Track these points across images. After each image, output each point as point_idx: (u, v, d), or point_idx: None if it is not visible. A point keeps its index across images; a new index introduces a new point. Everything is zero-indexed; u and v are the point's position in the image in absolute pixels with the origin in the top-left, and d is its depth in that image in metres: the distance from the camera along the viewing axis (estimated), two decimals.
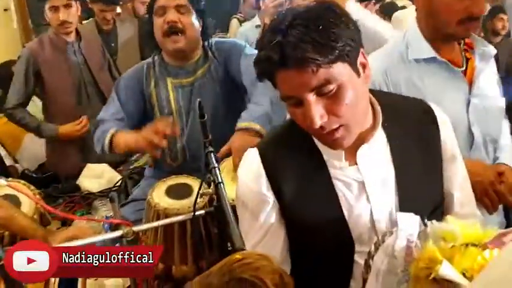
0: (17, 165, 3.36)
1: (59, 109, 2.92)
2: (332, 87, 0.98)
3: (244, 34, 3.67)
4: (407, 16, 2.75)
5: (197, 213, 1.37)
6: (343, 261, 1.15)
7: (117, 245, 1.76)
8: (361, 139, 1.11)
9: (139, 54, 3.39)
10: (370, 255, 1.06)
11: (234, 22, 4.52)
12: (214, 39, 2.11)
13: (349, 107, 1.01)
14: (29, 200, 1.81)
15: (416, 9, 1.63)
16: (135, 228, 1.21)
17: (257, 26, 3.57)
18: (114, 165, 2.71)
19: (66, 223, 2.19)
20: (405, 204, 1.13)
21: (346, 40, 0.97)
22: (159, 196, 1.68)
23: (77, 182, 2.64)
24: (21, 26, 4.77)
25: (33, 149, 3.51)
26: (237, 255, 0.84)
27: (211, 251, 1.66)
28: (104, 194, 2.46)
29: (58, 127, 2.86)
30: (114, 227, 1.22)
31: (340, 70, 0.98)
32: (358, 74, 1.04)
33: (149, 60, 2.06)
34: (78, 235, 1.36)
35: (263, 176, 1.15)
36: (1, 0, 4.30)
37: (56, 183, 2.75)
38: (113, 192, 1.41)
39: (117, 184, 2.48)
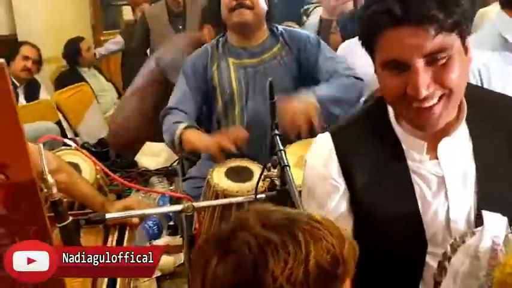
0: (77, 138, 3.45)
1: None
2: (444, 55, 0.91)
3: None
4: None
5: (258, 196, 1.31)
6: (414, 261, 1.06)
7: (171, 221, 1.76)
8: (444, 132, 1.03)
9: None
10: (445, 257, 0.98)
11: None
12: (283, 27, 2.09)
13: (456, 80, 0.94)
14: (89, 169, 1.83)
15: None
16: (196, 204, 1.18)
17: None
18: None
19: (121, 197, 2.21)
20: (485, 205, 1.03)
21: (465, 8, 0.91)
22: (218, 177, 1.65)
23: (135, 159, 2.67)
24: (91, 4, 4.90)
25: (93, 124, 3.60)
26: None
27: None
28: (160, 172, 2.47)
29: None
30: (174, 201, 1.18)
31: (454, 41, 0.92)
32: (466, 53, 0.97)
33: (213, 41, 2.07)
34: (134, 206, 1.35)
35: (335, 160, 1.08)
36: None
37: (115, 158, 2.79)
38: (175, 166, 1.39)
39: (174, 164, 2.47)
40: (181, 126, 1.86)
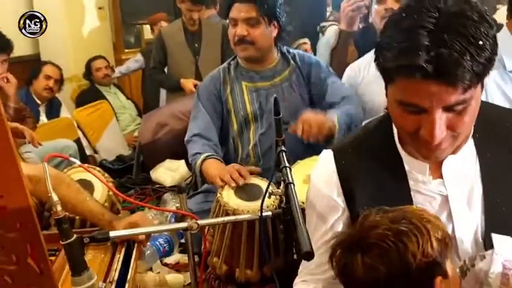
0: (95, 155, 3.49)
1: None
2: (465, 105, 0.89)
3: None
4: None
5: (264, 214, 1.30)
6: None
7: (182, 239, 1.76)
8: None
9: (220, 57, 3.41)
10: None
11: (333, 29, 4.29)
12: (296, 51, 2.12)
13: (468, 122, 0.92)
14: (102, 187, 1.85)
15: None
16: (200, 222, 1.17)
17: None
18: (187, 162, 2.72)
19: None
20: (494, 225, 1.00)
21: (494, 56, 0.86)
22: (228, 195, 1.65)
23: (151, 173, 2.68)
24: (112, 23, 4.99)
25: (112, 141, 3.65)
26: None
27: (277, 258, 1.59)
28: (174, 189, 2.47)
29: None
30: (180, 218, 1.18)
31: (477, 90, 0.89)
32: (482, 88, 0.94)
33: (225, 65, 2.11)
34: (139, 222, 1.35)
35: (335, 180, 1.08)
36: None
37: (130, 174, 2.81)
38: (180, 184, 1.39)
39: (187, 181, 2.48)
40: (200, 159, 1.91)
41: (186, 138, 2.05)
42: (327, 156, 1.12)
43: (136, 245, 1.39)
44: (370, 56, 2.10)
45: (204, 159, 1.89)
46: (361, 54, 2.50)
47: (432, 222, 0.91)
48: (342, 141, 1.23)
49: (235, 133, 2.04)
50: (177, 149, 2.74)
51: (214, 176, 1.77)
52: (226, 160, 2.00)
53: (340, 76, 2.25)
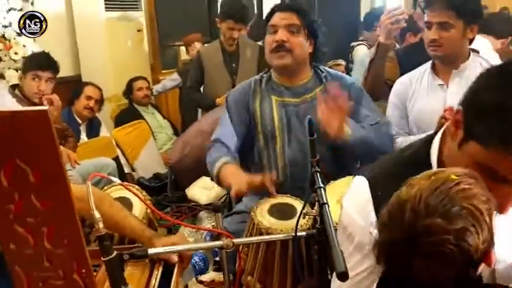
0: (133, 173, 3.58)
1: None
2: None
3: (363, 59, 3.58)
4: None
5: (298, 234, 1.31)
6: None
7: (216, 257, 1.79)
8: None
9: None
10: None
11: (360, 49, 4.35)
12: (330, 70, 2.11)
13: None
14: (140, 204, 1.90)
15: None
16: (236, 241, 1.19)
17: None
18: None
19: (171, 231, 2.27)
20: None
21: None
22: (262, 214, 1.66)
23: (186, 191, 2.73)
24: (150, 46, 5.14)
25: (149, 160, 3.74)
26: (452, 176, 0.90)
27: (310, 277, 1.60)
28: (210, 207, 2.51)
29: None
30: (215, 237, 1.21)
31: None
32: None
33: (257, 77, 2.11)
34: (179, 242, 1.39)
35: (371, 210, 1.08)
36: (136, 22, 4.67)
37: (166, 192, 2.87)
38: (216, 202, 1.42)
39: (222, 199, 2.51)
40: (219, 163, 1.90)
41: (207, 147, 2.06)
42: (361, 184, 1.12)
43: (177, 263, 1.43)
44: (424, 68, 2.12)
45: (224, 164, 1.88)
46: (404, 68, 2.51)
47: (477, 195, 0.88)
48: (376, 168, 1.22)
49: (261, 146, 2.04)
50: (204, 165, 2.81)
51: (230, 183, 1.78)
52: (254, 171, 2.02)
53: (374, 91, 2.28)
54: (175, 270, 1.39)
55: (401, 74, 2.45)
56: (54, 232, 0.80)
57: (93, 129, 3.64)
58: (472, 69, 1.98)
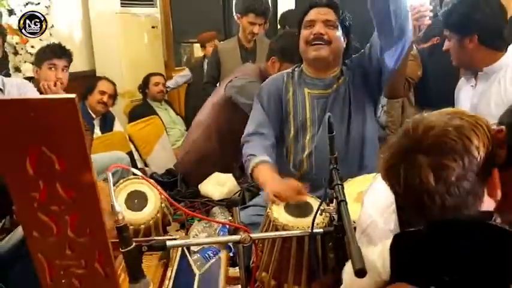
0: (146, 168, 3.59)
1: None
2: None
3: None
4: None
5: (315, 230, 1.31)
6: None
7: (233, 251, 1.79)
8: None
9: None
10: None
11: None
12: (353, 58, 2.15)
13: None
14: (155, 198, 1.91)
15: None
16: (253, 236, 1.19)
17: None
18: (236, 177, 2.77)
19: (184, 226, 2.27)
20: None
21: None
22: (278, 211, 1.66)
23: (199, 187, 2.74)
24: (164, 43, 5.16)
25: (162, 155, 3.74)
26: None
27: (325, 274, 1.59)
28: (222, 202, 2.51)
29: None
30: (232, 231, 1.21)
31: None
32: None
33: (289, 71, 2.17)
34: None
35: (393, 211, 1.08)
36: (151, 18, 4.68)
37: (180, 187, 2.88)
38: (234, 197, 1.42)
39: (236, 195, 2.51)
40: (254, 162, 1.93)
41: (242, 141, 2.09)
42: (385, 186, 1.09)
43: (224, 254, 1.43)
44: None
45: (257, 165, 1.91)
46: (427, 68, 2.51)
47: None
48: None
49: (291, 138, 2.08)
50: (208, 158, 2.88)
51: (265, 186, 1.80)
52: (279, 164, 2.02)
53: (394, 87, 2.38)
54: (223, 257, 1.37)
55: (424, 74, 2.45)
56: (77, 221, 0.80)
57: (107, 123, 3.65)
58: (499, 72, 2.02)
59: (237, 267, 1.38)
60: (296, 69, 2.15)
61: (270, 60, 2.66)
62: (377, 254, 1.04)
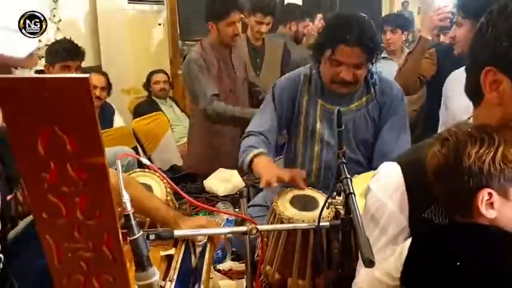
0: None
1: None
2: None
3: None
4: None
5: (322, 224, 1.31)
6: None
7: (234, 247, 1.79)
8: None
9: (279, 73, 3.46)
10: None
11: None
12: (379, 76, 2.04)
13: None
14: (160, 190, 1.90)
15: None
16: (260, 227, 1.19)
17: None
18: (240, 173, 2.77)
19: None
20: None
21: None
22: (283, 205, 1.66)
23: (204, 182, 2.74)
24: (170, 40, 5.16)
25: (166, 151, 3.75)
26: None
27: (329, 269, 1.59)
28: (227, 198, 2.51)
29: None
30: (239, 222, 1.20)
31: None
32: None
33: (307, 72, 2.05)
34: (205, 225, 1.39)
35: (402, 195, 1.07)
36: (158, 15, 4.70)
37: (184, 183, 2.88)
38: (242, 189, 1.43)
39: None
40: (254, 152, 1.89)
41: (243, 136, 2.06)
42: (393, 169, 1.10)
43: (208, 246, 1.43)
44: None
45: (258, 154, 1.88)
46: (442, 67, 2.52)
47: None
48: (409, 155, 1.18)
49: (300, 141, 2.06)
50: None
51: (267, 173, 1.76)
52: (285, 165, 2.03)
53: (406, 84, 2.36)
54: (208, 249, 1.39)
55: (438, 73, 2.45)
56: (86, 203, 0.80)
57: (106, 117, 3.61)
58: None
59: (238, 262, 1.38)
60: (314, 71, 2.03)
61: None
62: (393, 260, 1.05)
